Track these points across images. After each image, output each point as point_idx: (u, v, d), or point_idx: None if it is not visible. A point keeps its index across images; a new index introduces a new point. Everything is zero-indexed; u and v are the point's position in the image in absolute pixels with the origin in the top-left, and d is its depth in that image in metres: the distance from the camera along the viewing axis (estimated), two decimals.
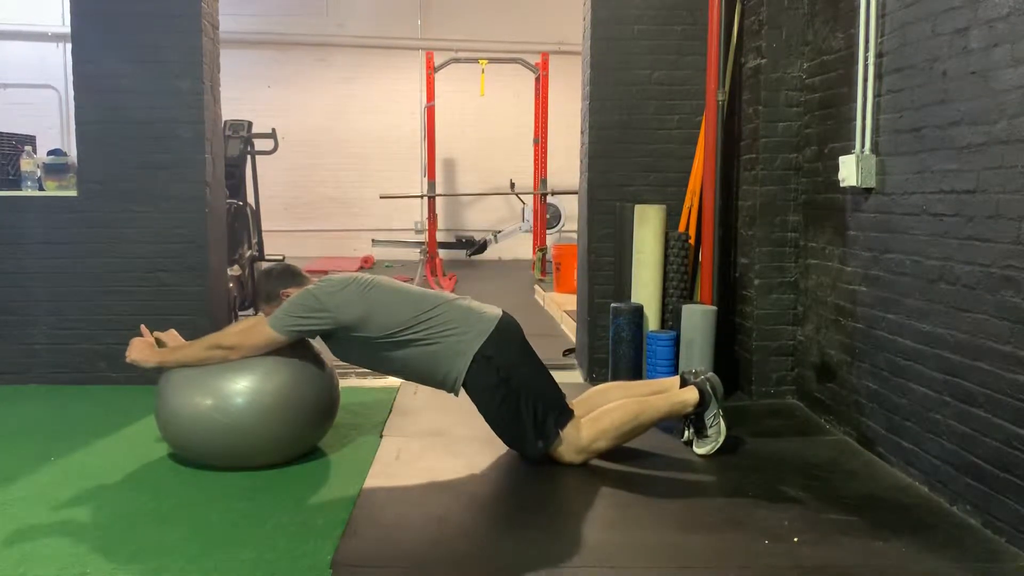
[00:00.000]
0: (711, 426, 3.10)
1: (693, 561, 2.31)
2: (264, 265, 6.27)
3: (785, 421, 3.63)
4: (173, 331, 3.23)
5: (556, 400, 2.99)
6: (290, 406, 2.95)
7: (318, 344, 3.14)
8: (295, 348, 3.03)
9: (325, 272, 9.59)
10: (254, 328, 2.98)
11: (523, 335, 3.09)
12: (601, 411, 3.03)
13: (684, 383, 3.21)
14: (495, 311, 3.08)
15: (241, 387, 2.89)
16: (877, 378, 3.12)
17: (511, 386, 2.94)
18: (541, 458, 2.99)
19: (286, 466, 3.01)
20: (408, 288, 3.14)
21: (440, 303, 3.04)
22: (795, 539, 2.42)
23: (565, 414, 2.97)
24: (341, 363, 3.22)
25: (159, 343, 3.13)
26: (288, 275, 3.16)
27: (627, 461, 3.04)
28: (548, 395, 2.98)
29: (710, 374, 3.16)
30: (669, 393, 3.15)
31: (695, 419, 3.13)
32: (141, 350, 3.05)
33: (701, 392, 3.09)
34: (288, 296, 3.04)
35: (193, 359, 2.98)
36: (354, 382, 4.23)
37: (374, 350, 3.00)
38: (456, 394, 3.06)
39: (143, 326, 3.18)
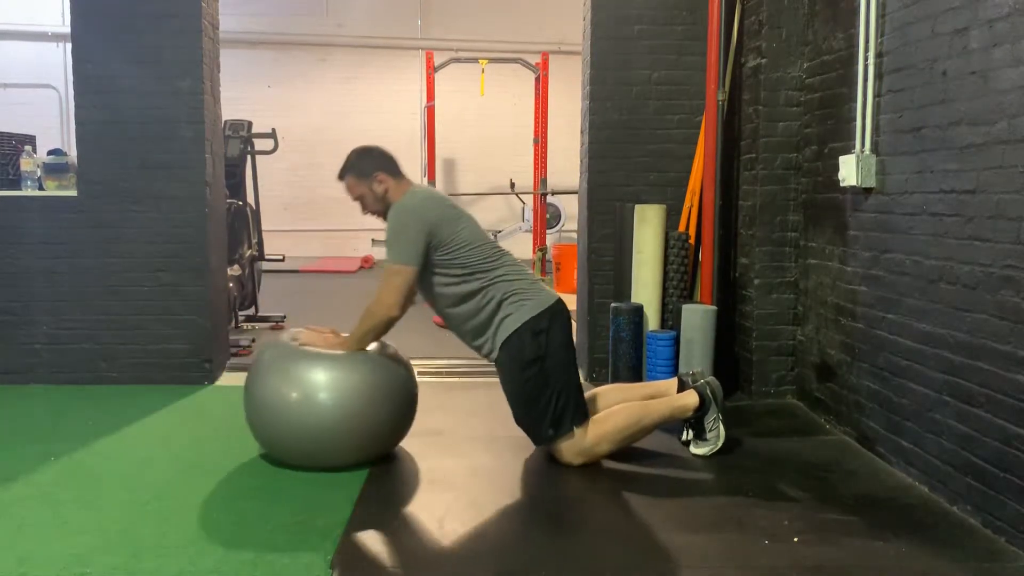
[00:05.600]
0: (711, 430, 3.11)
1: (693, 561, 2.31)
2: (258, 266, 6.27)
3: (785, 421, 3.63)
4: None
5: (579, 397, 3.00)
6: (375, 404, 2.92)
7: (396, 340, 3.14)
8: (382, 348, 3.04)
9: (326, 272, 9.60)
10: (389, 278, 2.95)
11: (571, 325, 3.10)
12: (602, 415, 3.04)
13: (682, 385, 3.21)
14: (553, 292, 3.10)
15: (324, 381, 2.86)
16: (877, 378, 3.12)
17: (544, 367, 2.94)
18: (546, 446, 3.01)
19: (286, 466, 3.01)
20: (483, 232, 3.12)
21: (510, 261, 3.06)
22: (795, 539, 2.42)
23: (581, 414, 2.98)
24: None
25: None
26: (385, 159, 3.12)
27: (627, 461, 3.04)
28: (574, 390, 2.99)
29: (710, 378, 3.16)
30: (670, 397, 3.15)
31: (695, 422, 3.14)
32: (329, 342, 3.03)
33: (701, 396, 3.09)
34: (380, 180, 3.05)
35: (365, 336, 2.97)
36: None
37: (442, 282, 2.99)
38: (493, 358, 3.03)
39: (308, 326, 3.16)
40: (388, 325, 2.98)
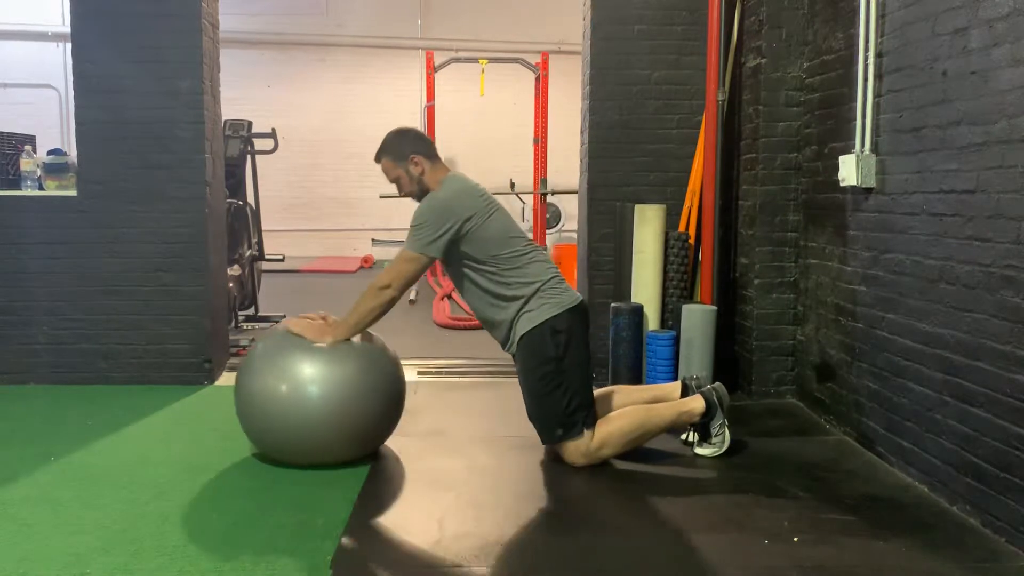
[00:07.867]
0: (716, 435, 3.11)
1: (693, 561, 2.31)
2: (258, 266, 6.27)
3: (785, 421, 3.63)
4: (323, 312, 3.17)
5: (590, 399, 3.01)
6: (362, 398, 2.92)
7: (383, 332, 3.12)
8: (365, 338, 3.02)
9: (326, 272, 9.60)
10: (400, 264, 2.96)
11: (589, 327, 3.11)
12: (606, 418, 3.04)
13: (685, 389, 3.21)
14: (577, 293, 3.10)
15: (311, 375, 2.86)
16: (877, 378, 3.12)
17: (561, 367, 2.95)
18: (552, 445, 3.01)
19: (286, 466, 3.01)
20: (515, 224, 3.13)
21: (540, 257, 3.06)
22: (795, 539, 2.42)
23: (592, 417, 2.99)
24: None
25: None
26: (421, 140, 3.15)
27: (628, 460, 3.04)
28: (587, 392, 3.00)
29: (717, 384, 3.17)
30: (675, 402, 3.15)
31: (700, 428, 3.14)
32: (318, 331, 2.99)
33: (708, 402, 3.09)
34: (416, 162, 3.06)
35: (364, 317, 2.96)
36: None
37: (471, 274, 3.01)
38: (511, 351, 3.06)
39: (312, 313, 3.10)
40: (388, 306, 2.98)
